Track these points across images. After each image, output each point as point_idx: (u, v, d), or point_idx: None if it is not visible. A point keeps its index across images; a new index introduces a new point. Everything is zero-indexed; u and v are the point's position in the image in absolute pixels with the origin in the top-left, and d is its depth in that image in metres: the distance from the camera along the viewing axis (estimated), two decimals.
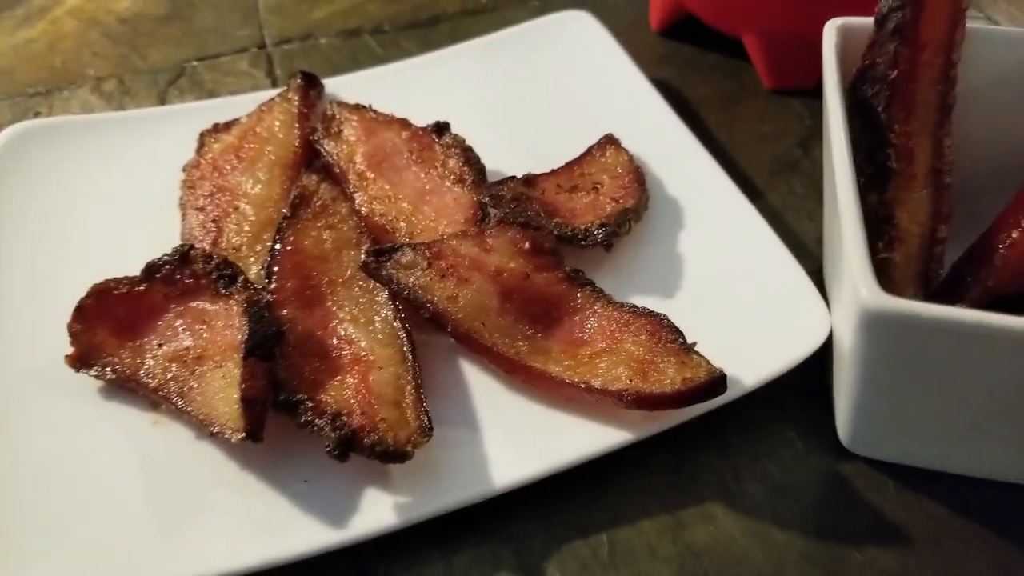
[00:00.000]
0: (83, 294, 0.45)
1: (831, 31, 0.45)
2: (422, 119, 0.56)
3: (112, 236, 0.52)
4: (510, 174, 0.55)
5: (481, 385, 0.45)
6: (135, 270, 0.46)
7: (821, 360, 0.46)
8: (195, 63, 0.71)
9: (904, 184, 0.43)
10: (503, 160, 0.56)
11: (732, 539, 0.41)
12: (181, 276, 0.44)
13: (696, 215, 0.52)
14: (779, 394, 0.46)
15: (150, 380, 0.43)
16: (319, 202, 0.49)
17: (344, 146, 0.54)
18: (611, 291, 0.47)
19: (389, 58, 0.69)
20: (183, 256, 0.44)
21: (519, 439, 0.43)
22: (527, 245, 0.46)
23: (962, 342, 0.34)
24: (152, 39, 0.74)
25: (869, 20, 0.46)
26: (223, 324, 0.43)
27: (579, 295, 0.46)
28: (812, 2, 0.58)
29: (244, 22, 0.75)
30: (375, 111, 0.56)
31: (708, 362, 0.41)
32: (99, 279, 0.46)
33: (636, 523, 0.42)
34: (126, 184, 0.55)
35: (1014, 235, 0.41)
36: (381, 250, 0.46)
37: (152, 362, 0.43)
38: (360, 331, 0.45)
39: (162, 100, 0.68)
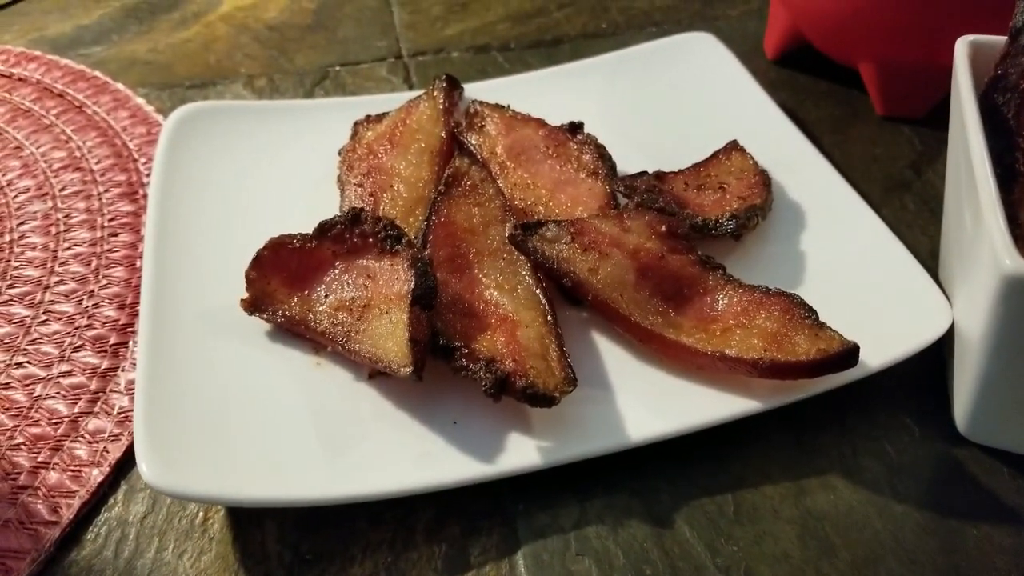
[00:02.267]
0: (257, 249, 0.50)
1: (962, 46, 0.48)
2: (553, 124, 0.61)
3: (279, 204, 0.57)
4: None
5: (614, 353, 0.48)
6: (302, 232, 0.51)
7: (935, 356, 0.48)
8: (338, 68, 0.78)
9: None
10: (629, 164, 0.60)
11: (851, 507, 0.43)
12: (350, 236, 0.49)
13: (818, 217, 0.55)
14: (894, 385, 0.49)
15: (317, 325, 0.47)
16: (469, 182, 0.54)
17: (486, 139, 0.59)
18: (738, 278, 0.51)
19: (516, 72, 0.75)
20: (354, 217, 0.49)
21: (650, 401, 0.46)
22: (663, 228, 0.50)
23: None
24: (299, 45, 0.81)
25: (997, 38, 0.49)
26: (387, 278, 0.47)
27: (710, 277, 0.49)
28: (929, 32, 0.62)
29: (382, 35, 0.82)
30: (513, 110, 0.61)
31: (841, 336, 0.44)
32: (270, 236, 0.51)
33: (759, 487, 0.44)
34: (287, 163, 0.61)
35: None
36: (527, 224, 0.50)
37: (320, 309, 0.48)
38: (505, 296, 0.49)
39: (309, 98, 0.74)
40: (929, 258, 0.56)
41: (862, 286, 0.50)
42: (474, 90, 0.67)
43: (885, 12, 0.62)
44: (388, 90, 0.74)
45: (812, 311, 0.45)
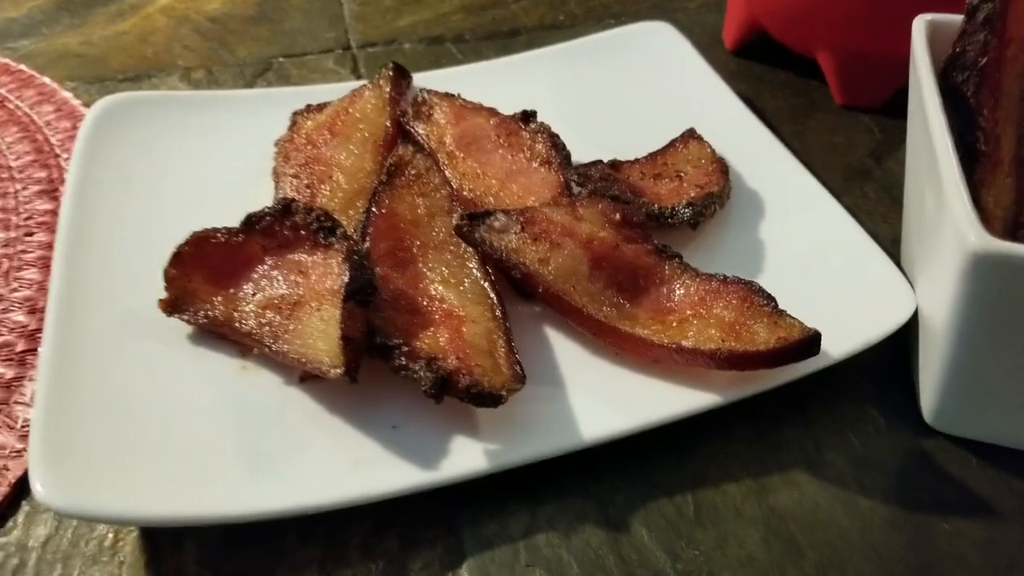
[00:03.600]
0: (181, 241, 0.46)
1: (920, 25, 0.47)
2: (506, 113, 0.58)
3: (207, 198, 0.53)
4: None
5: (567, 349, 0.46)
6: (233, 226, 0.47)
7: (899, 344, 0.46)
8: (282, 59, 0.74)
9: (991, 168, 0.43)
10: (584, 154, 0.57)
11: (816, 505, 0.41)
12: (280, 228, 0.46)
13: (778, 204, 0.53)
14: (858, 374, 0.47)
15: (242, 325, 0.44)
16: (413, 171, 0.51)
17: (434, 128, 0.56)
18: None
19: (470, 64, 0.72)
20: (285, 208, 0.46)
21: (604, 398, 0.43)
22: (617, 216, 0.47)
23: None
24: (241, 37, 0.77)
25: (955, 17, 0.47)
26: (321, 274, 0.44)
27: (666, 267, 0.47)
28: (887, 20, 0.61)
29: (330, 27, 0.78)
30: (463, 99, 0.58)
31: (802, 323, 0.42)
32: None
33: (721, 486, 0.42)
34: (219, 155, 0.57)
35: None
36: (474, 214, 0.47)
37: (246, 308, 0.44)
38: (451, 291, 0.46)
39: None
40: (891, 245, 0.54)
41: (823, 274, 0.48)
42: (424, 79, 0.64)
43: (841, 1, 0.60)
44: (335, 81, 0.71)
45: (771, 299, 0.43)
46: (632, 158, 0.56)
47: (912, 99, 0.47)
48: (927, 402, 0.43)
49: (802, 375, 0.43)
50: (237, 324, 0.44)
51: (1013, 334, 0.37)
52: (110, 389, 0.42)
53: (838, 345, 0.43)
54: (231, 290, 0.45)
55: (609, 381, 0.44)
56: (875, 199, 0.59)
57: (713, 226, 0.52)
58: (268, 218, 0.46)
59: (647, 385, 0.43)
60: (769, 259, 0.50)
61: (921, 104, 0.43)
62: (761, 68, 0.72)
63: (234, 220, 0.47)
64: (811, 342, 0.40)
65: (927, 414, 0.44)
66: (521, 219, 0.47)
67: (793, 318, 0.42)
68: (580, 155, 0.57)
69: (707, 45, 0.74)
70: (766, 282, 0.46)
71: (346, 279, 0.42)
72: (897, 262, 0.52)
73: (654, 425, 0.41)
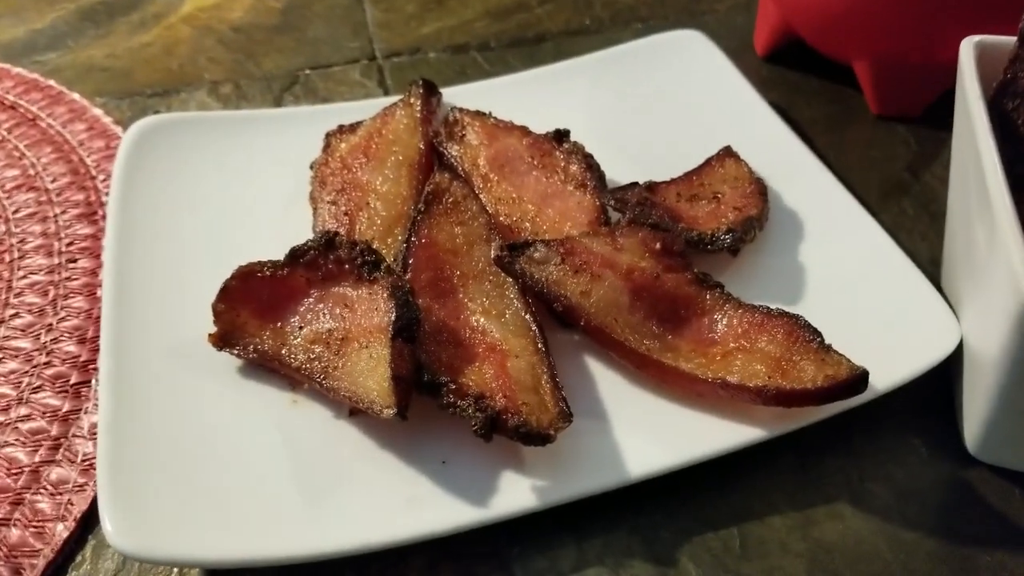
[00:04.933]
0: (226, 276, 0.47)
1: (968, 48, 0.46)
2: (537, 130, 0.58)
3: (248, 225, 0.54)
4: (628, 183, 0.56)
5: (609, 380, 0.46)
6: (272, 256, 0.48)
7: (941, 373, 0.46)
8: (308, 71, 0.74)
9: None
10: (619, 171, 0.57)
11: (861, 537, 0.42)
12: (324, 262, 0.46)
13: (817, 226, 0.53)
14: (900, 404, 0.47)
15: (292, 360, 0.44)
16: (451, 199, 0.51)
17: (467, 150, 0.56)
18: (738, 295, 0.48)
19: (497, 73, 0.72)
20: (328, 242, 0.46)
21: (649, 432, 0.43)
22: (658, 246, 0.47)
23: None
24: (266, 48, 0.77)
25: (1006, 39, 0.47)
26: (366, 308, 0.45)
27: (708, 297, 0.47)
28: (926, 29, 0.60)
29: (354, 35, 0.78)
30: (496, 118, 0.58)
31: (849, 360, 0.42)
32: (238, 262, 0.47)
33: (766, 519, 0.42)
34: (256, 177, 0.57)
35: None
36: (514, 245, 0.47)
37: (294, 343, 0.45)
38: (492, 322, 0.46)
39: (277, 105, 0.70)
40: (929, 264, 0.54)
41: (865, 301, 0.48)
42: (452, 95, 0.64)
43: (879, 8, 0.59)
44: (362, 94, 0.71)
45: (817, 333, 0.43)
46: (668, 177, 0.56)
47: (958, 125, 0.46)
48: (970, 432, 0.43)
49: (847, 408, 0.43)
50: (286, 359, 0.44)
51: None
52: (167, 427, 0.43)
53: (882, 377, 0.43)
54: (279, 324, 0.46)
55: (652, 414, 0.44)
56: (913, 215, 0.59)
57: (753, 249, 0.52)
58: (312, 252, 0.46)
59: (690, 418, 0.44)
60: (809, 284, 0.50)
61: (971, 133, 0.42)
62: (794, 75, 0.71)
63: (275, 246, 0.48)
64: (859, 380, 0.41)
65: (970, 444, 0.44)
66: (561, 250, 0.47)
67: (840, 355, 0.42)
68: (614, 173, 0.57)
69: (737, 50, 0.73)
70: (807, 309, 0.46)
71: (393, 316, 0.42)
72: (937, 283, 0.52)
73: (698, 461, 0.42)
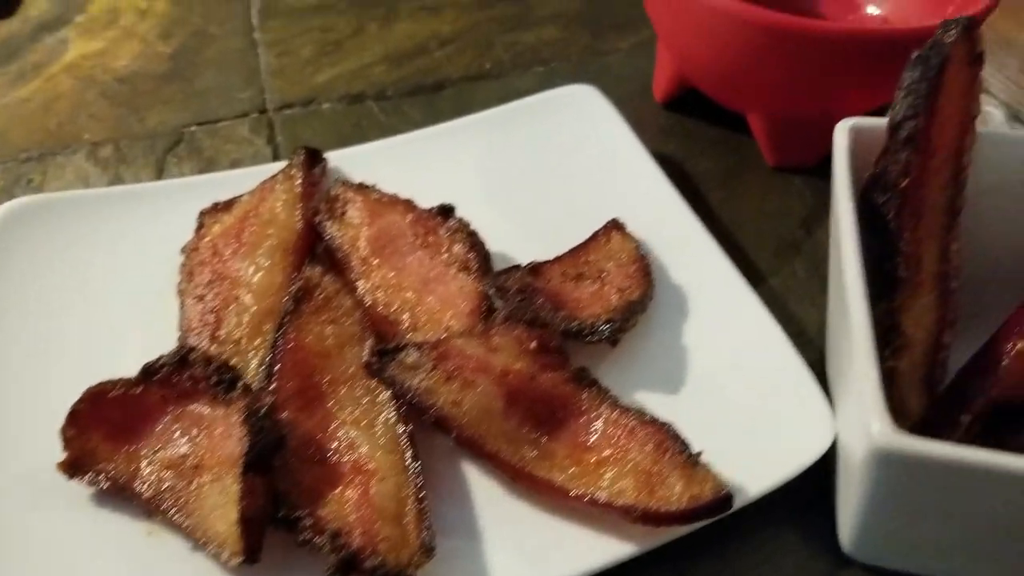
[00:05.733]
0: (79, 392, 0.44)
1: (843, 132, 0.45)
2: (426, 195, 0.56)
3: (110, 324, 0.51)
4: (513, 257, 0.55)
5: (485, 489, 0.44)
6: (134, 361, 0.45)
7: (823, 465, 0.45)
8: (194, 128, 0.70)
9: (911, 292, 0.42)
10: (507, 241, 0.56)
11: None
12: (179, 379, 0.44)
13: (700, 305, 0.52)
14: (781, 499, 0.45)
15: (145, 490, 0.42)
16: (322, 295, 0.49)
17: (348, 229, 0.54)
18: (616, 387, 0.47)
19: (392, 125, 0.70)
20: (181, 359, 0.43)
21: (520, 552, 0.42)
22: (533, 344, 0.46)
23: (973, 479, 0.33)
24: (152, 100, 0.73)
25: (879, 121, 0.46)
26: (222, 432, 0.42)
27: (585, 396, 0.45)
28: (816, 85, 0.59)
29: (246, 84, 0.74)
30: (379, 191, 0.56)
31: (715, 477, 0.41)
32: (96, 373, 0.45)
33: None
34: (125, 266, 0.54)
35: (1019, 345, 0.41)
36: (385, 350, 0.45)
37: (148, 469, 0.42)
38: (361, 435, 0.44)
39: (160, 168, 0.67)
40: (817, 334, 0.53)
41: (743, 394, 0.47)
42: (342, 158, 0.61)
43: (771, 66, 0.58)
44: (249, 153, 0.68)
45: (685, 446, 0.42)
46: (559, 247, 0.54)
47: (834, 211, 0.45)
48: (845, 533, 0.43)
49: (744, 505, 0.42)
50: (138, 488, 0.42)
51: (918, 505, 0.37)
52: (7, 560, 0.40)
53: (756, 479, 0.43)
54: (132, 447, 0.43)
55: (526, 529, 0.42)
56: (804, 278, 0.58)
57: (633, 333, 0.50)
58: (165, 368, 0.44)
59: (565, 532, 0.42)
60: (689, 374, 0.48)
61: (838, 234, 0.41)
62: (692, 123, 0.69)
63: (143, 350, 0.45)
64: (722, 502, 0.40)
65: (845, 544, 0.43)
66: (434, 355, 0.45)
67: (707, 470, 0.41)
68: (501, 243, 0.55)
69: (638, 94, 0.72)
70: (683, 403, 0.46)
71: (246, 446, 0.40)
72: (821, 355, 0.51)
73: None
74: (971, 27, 0.42)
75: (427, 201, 0.55)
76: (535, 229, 0.57)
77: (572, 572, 0.41)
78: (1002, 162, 0.45)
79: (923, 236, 0.43)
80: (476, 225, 0.55)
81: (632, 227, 0.56)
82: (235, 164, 0.66)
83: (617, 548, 0.41)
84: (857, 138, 0.45)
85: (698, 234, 0.55)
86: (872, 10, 0.68)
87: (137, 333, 0.50)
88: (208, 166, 0.67)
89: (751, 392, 0.47)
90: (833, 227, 0.45)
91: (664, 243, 0.55)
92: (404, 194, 0.56)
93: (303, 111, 0.72)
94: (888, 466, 0.34)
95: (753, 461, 0.43)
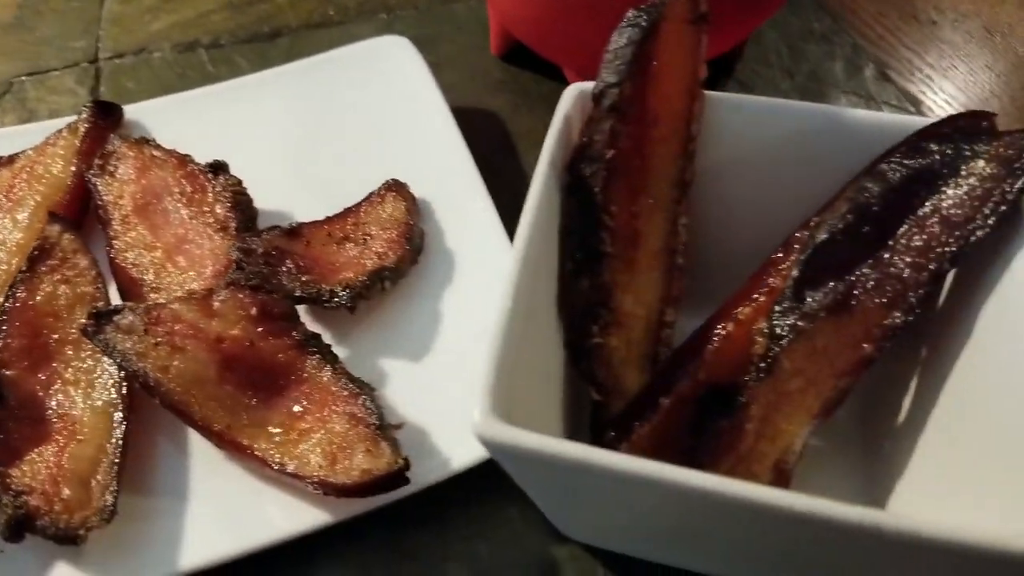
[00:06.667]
0: None
1: (569, 97, 0.42)
2: (218, 151, 0.54)
3: None
4: (293, 216, 0.54)
5: (201, 455, 0.44)
6: None
7: None
8: (24, 78, 0.69)
9: (624, 267, 0.40)
10: (290, 201, 0.55)
11: None
12: None
13: (466, 272, 0.50)
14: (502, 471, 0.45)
15: None
16: (60, 254, 0.48)
17: (116, 184, 0.53)
18: (361, 356, 0.47)
19: (219, 75, 0.68)
20: None
21: (222, 515, 0.42)
22: (254, 311, 0.45)
23: (568, 470, 0.31)
24: None
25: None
26: None
27: (307, 364, 0.44)
28: None
29: (83, 33, 0.73)
30: (157, 147, 0.54)
31: (393, 452, 0.40)
32: None
33: None
34: None
35: (728, 328, 0.39)
36: (102, 312, 0.44)
37: None
38: (79, 395, 0.44)
39: None
40: None
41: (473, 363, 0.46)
42: (139, 111, 0.60)
43: (572, 22, 0.55)
44: (71, 104, 0.66)
45: (377, 416, 0.41)
46: (337, 207, 0.53)
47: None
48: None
49: (431, 484, 0.42)
50: None
51: (548, 486, 0.36)
52: None
53: (468, 453, 0.42)
54: None
55: (232, 495, 0.42)
56: None
57: (392, 299, 0.49)
58: None
59: (270, 500, 0.42)
60: (438, 341, 0.47)
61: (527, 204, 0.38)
62: (527, 78, 0.67)
63: None
64: (396, 476, 0.39)
65: (553, 522, 0.42)
66: (147, 319, 0.44)
67: (389, 444, 0.40)
68: (284, 204, 0.54)
69: (478, 47, 0.69)
70: (422, 372, 0.46)
71: None
72: None
73: (263, 548, 0.40)
74: None
75: (216, 157, 0.54)
76: (323, 189, 0.55)
77: (266, 538, 0.40)
78: (740, 131, 0.42)
79: (642, 210, 0.41)
80: (260, 183, 0.54)
81: (418, 189, 0.54)
82: (54, 115, 0.65)
83: (315, 516, 0.41)
84: (586, 104, 0.42)
85: (480, 199, 0.53)
86: None
87: None
88: (30, 117, 0.66)
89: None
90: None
91: (446, 207, 0.54)
92: (194, 150, 0.55)
93: (133, 60, 0.70)
94: (500, 454, 0.33)
95: (469, 433, 0.42)
